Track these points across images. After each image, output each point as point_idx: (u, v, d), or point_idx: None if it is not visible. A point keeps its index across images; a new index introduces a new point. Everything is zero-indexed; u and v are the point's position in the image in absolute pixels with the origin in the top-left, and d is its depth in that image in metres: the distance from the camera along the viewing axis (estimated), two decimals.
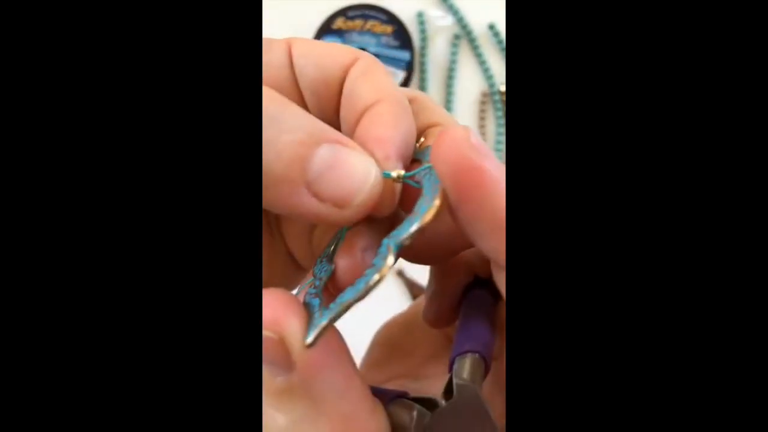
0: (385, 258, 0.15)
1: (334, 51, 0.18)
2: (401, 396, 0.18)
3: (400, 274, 0.47)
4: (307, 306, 0.16)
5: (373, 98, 0.17)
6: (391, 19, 0.48)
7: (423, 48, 0.50)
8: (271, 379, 0.15)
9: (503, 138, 0.49)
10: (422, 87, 0.50)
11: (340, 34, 0.48)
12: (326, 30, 0.48)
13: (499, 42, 0.50)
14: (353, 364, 0.16)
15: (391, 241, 0.15)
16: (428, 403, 0.17)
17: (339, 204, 0.15)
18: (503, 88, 0.50)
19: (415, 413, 0.17)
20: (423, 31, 0.50)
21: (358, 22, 0.48)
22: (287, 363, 0.15)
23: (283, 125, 0.15)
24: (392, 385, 0.19)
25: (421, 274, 0.47)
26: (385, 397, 0.17)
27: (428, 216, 0.14)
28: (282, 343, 0.15)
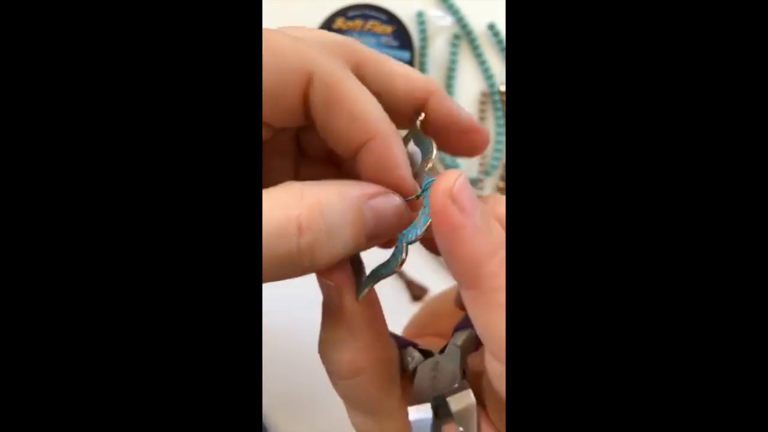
0: (401, 252, 0.20)
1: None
2: (410, 344, 0.23)
3: (400, 274, 0.47)
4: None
5: (363, 135, 0.20)
6: (391, 19, 0.48)
7: (423, 48, 0.50)
8: (327, 311, 0.21)
9: (503, 138, 0.49)
10: None
11: (340, 34, 0.48)
12: (326, 30, 0.48)
13: (499, 42, 0.50)
14: (381, 307, 0.21)
15: (405, 240, 0.20)
16: (427, 354, 0.22)
17: (387, 240, 0.21)
18: (503, 88, 0.50)
19: (414, 357, 0.22)
20: (423, 31, 0.50)
21: (358, 22, 0.48)
22: (341, 305, 0.20)
23: (341, 199, 0.19)
24: (425, 341, 0.24)
25: (420, 273, 0.47)
26: (398, 342, 0.23)
27: (424, 230, 0.19)
28: (339, 291, 0.20)
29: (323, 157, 0.23)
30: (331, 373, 0.22)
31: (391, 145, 0.20)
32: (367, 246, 0.20)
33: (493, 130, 0.50)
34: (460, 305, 0.25)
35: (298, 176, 0.23)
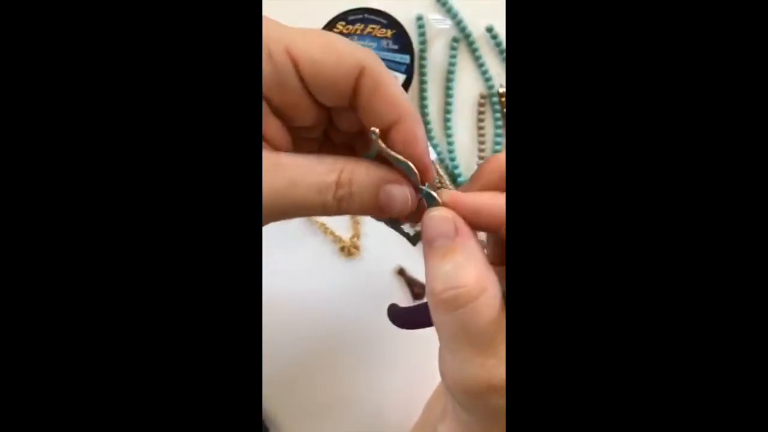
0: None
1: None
2: None
3: (401, 272, 0.47)
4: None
5: (395, 115, 0.26)
6: (390, 23, 0.49)
7: (422, 51, 0.51)
8: (439, 246, 0.25)
9: (501, 139, 0.50)
10: (422, 89, 0.50)
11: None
12: None
13: (498, 45, 0.51)
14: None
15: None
16: None
17: (394, 216, 0.27)
18: (502, 90, 0.50)
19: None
20: (422, 35, 0.51)
21: (359, 26, 0.49)
22: (460, 231, 0.25)
23: (362, 187, 0.26)
24: None
25: (421, 273, 0.47)
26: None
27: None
28: (455, 220, 0.25)
29: (343, 143, 0.30)
30: (455, 300, 0.23)
31: (415, 124, 0.26)
32: (378, 215, 0.27)
33: (492, 131, 0.50)
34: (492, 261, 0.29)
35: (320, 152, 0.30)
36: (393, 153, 0.26)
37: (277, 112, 0.26)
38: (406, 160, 0.26)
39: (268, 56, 0.24)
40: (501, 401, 0.23)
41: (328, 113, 0.28)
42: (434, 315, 0.25)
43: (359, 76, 0.25)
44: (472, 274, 0.23)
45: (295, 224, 0.48)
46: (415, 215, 0.27)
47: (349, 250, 0.47)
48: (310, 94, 0.26)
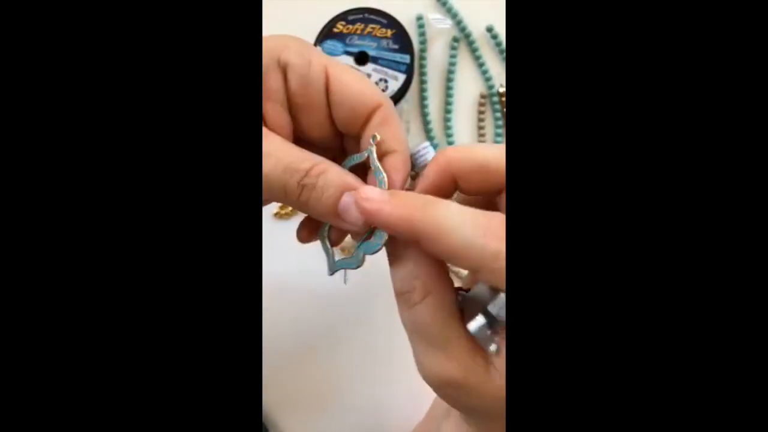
0: (359, 260, 0.28)
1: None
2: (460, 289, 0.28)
3: None
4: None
5: (394, 148, 0.29)
6: (390, 22, 0.49)
7: (422, 51, 0.51)
8: (395, 253, 0.27)
9: (501, 139, 0.50)
10: (422, 89, 0.50)
11: (341, 37, 0.49)
12: (327, 34, 0.49)
13: (498, 44, 0.51)
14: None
15: (362, 251, 0.28)
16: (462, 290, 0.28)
17: (352, 225, 0.27)
18: (501, 90, 0.50)
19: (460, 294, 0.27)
20: (422, 34, 0.51)
21: (359, 26, 0.49)
22: (407, 248, 0.26)
23: (327, 183, 0.27)
24: None
25: None
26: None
27: (381, 246, 0.27)
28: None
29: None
30: (407, 301, 0.26)
31: (407, 158, 0.29)
32: (333, 220, 0.28)
33: (492, 131, 0.50)
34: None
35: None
36: (378, 163, 0.28)
37: (293, 110, 0.28)
38: (384, 175, 0.28)
39: (308, 64, 0.28)
40: (454, 393, 0.25)
41: (337, 138, 0.30)
42: (399, 311, 0.27)
43: (375, 108, 0.28)
44: (419, 281, 0.26)
45: (296, 223, 0.48)
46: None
47: (349, 249, 0.47)
48: (328, 111, 0.29)
